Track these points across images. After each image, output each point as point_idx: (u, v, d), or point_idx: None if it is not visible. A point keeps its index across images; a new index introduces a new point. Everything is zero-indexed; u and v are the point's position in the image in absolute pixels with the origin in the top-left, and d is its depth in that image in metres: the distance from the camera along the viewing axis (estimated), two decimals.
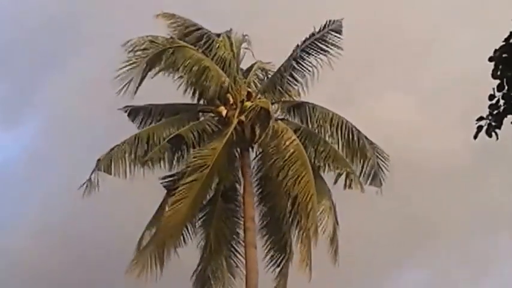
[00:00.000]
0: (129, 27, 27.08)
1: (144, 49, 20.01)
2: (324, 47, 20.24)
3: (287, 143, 19.49)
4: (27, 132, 35.61)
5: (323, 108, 20.96)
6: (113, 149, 20.03)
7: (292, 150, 19.40)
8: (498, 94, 7.91)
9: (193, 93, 20.82)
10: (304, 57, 20.50)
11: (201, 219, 20.55)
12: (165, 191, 20.20)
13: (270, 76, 21.61)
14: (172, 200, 19.26)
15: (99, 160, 19.88)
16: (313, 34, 20.28)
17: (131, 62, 19.69)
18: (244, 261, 20.02)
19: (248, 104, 20.42)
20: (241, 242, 20.44)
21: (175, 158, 20.39)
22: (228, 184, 20.52)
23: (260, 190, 20.90)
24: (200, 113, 21.15)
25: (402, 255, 30.81)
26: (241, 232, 20.41)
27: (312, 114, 20.83)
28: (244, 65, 21.98)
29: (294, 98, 21.19)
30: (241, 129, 20.44)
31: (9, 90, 34.78)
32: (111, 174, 19.65)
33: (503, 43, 7.86)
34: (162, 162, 20.13)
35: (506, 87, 7.84)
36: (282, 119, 20.87)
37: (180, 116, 20.91)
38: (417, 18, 31.57)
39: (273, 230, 20.61)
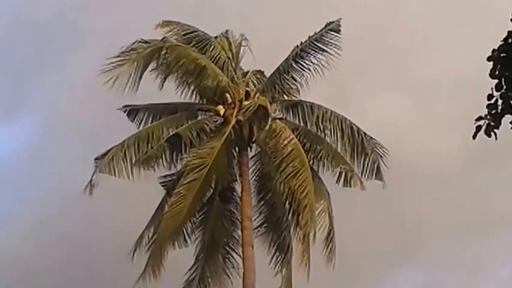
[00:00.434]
0: (126, 26, 27.19)
1: (138, 49, 20.10)
2: (323, 46, 20.34)
3: (285, 141, 19.53)
4: (24, 129, 35.53)
5: (321, 107, 21.03)
6: (111, 148, 20.03)
7: (290, 149, 19.45)
8: (496, 94, 7.89)
9: (191, 93, 20.90)
10: (304, 56, 20.58)
11: (199, 219, 20.54)
12: (163, 190, 20.29)
13: (268, 76, 21.58)
14: (172, 200, 19.30)
15: (96, 159, 19.94)
16: (312, 34, 20.37)
17: (125, 62, 19.77)
18: (241, 260, 20.02)
19: (246, 103, 20.49)
20: (238, 241, 20.45)
21: (174, 157, 20.41)
22: (226, 183, 20.52)
23: (258, 189, 20.92)
24: (199, 112, 21.17)
25: (396, 258, 30.85)
26: (238, 231, 20.42)
27: (310, 113, 20.91)
28: (243, 65, 22.05)
29: (293, 97, 21.20)
30: (240, 128, 20.49)
31: (6, 87, 34.74)
32: (110, 174, 19.66)
33: (502, 43, 7.85)
34: (160, 161, 20.14)
35: (504, 87, 7.83)
36: (280, 118, 20.92)
37: (178, 115, 20.93)
38: (413, 19, 31.68)
39: (272, 229, 20.64)
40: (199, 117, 21.01)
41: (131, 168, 19.78)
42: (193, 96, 21.07)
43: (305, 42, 20.47)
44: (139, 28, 21.76)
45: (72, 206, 25.04)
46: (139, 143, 20.00)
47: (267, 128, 19.55)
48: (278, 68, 20.94)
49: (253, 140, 20.69)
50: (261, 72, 22.01)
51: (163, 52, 20.21)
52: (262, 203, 20.87)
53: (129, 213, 23.85)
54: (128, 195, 22.27)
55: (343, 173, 20.33)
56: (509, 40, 7.86)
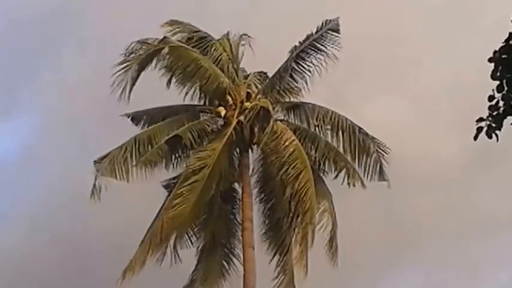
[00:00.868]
0: (125, 28, 27.15)
1: (137, 51, 20.03)
2: (322, 47, 20.32)
3: (286, 143, 19.50)
4: (19, 130, 35.51)
5: (322, 107, 21.00)
6: (111, 151, 19.94)
7: (291, 150, 19.42)
8: (498, 95, 7.87)
9: (192, 94, 20.91)
10: (304, 57, 20.57)
11: (201, 220, 20.48)
12: (163, 191, 20.23)
13: (269, 77, 21.58)
14: (175, 202, 19.22)
15: (96, 162, 19.84)
16: (311, 34, 20.34)
17: (125, 64, 19.71)
18: (242, 262, 19.99)
19: (248, 104, 20.47)
20: (239, 242, 20.40)
21: (174, 159, 20.40)
22: (227, 185, 20.50)
23: (260, 190, 20.89)
24: (200, 113, 21.12)
25: (395, 259, 30.84)
26: (239, 233, 20.38)
27: (311, 114, 20.88)
28: (244, 65, 22.04)
29: (294, 98, 21.17)
30: (241, 129, 20.47)
31: (2, 87, 34.71)
32: (111, 176, 19.58)
33: (503, 44, 7.83)
34: (161, 163, 20.10)
35: (505, 88, 7.81)
36: (281, 120, 20.88)
37: (179, 117, 20.89)
38: (411, 21, 31.65)
39: (273, 231, 20.58)
40: (200, 119, 20.95)
41: (131, 170, 19.73)
42: (194, 97, 21.10)
43: (305, 42, 20.43)
44: (137, 29, 21.78)
45: (68, 206, 24.99)
46: (139, 145, 19.94)
47: (268, 128, 19.41)
48: (279, 69, 20.91)
49: (254, 141, 20.69)
50: (264, 73, 22.01)
51: (164, 52, 20.11)
52: (263, 204, 20.85)
53: (127, 213, 23.82)
54: (126, 195, 22.20)
55: (345, 173, 20.30)
56: (510, 41, 7.84)
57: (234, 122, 20.36)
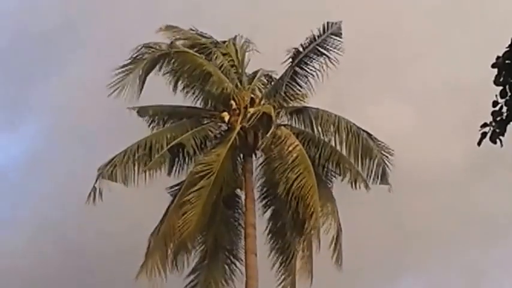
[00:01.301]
0: (129, 32, 27.20)
1: (144, 55, 20.12)
2: (325, 51, 20.32)
3: (290, 148, 19.53)
4: (25, 136, 35.59)
5: (325, 111, 21.05)
6: (115, 157, 19.98)
7: (295, 155, 19.44)
8: (501, 101, 7.82)
9: (196, 98, 20.99)
10: (307, 62, 20.59)
11: (204, 225, 20.23)
12: (164, 196, 20.28)
13: (273, 82, 21.66)
14: (183, 209, 19.18)
15: (99, 169, 19.86)
16: (314, 39, 20.37)
17: (130, 68, 19.81)
18: (244, 268, 19.96)
19: (251, 110, 20.49)
20: (242, 248, 20.37)
21: (177, 165, 20.44)
22: (230, 190, 20.46)
23: (263, 196, 20.88)
24: (204, 119, 21.13)
25: (397, 265, 30.82)
26: (242, 238, 20.37)
27: (315, 118, 20.93)
28: (250, 69, 22.07)
29: (298, 103, 21.16)
30: (244, 135, 20.48)
31: (9, 92, 34.83)
32: (114, 181, 19.65)
33: (506, 49, 7.77)
34: (164, 169, 20.14)
35: (509, 94, 7.75)
36: (284, 125, 20.90)
37: (182, 122, 20.95)
38: (413, 25, 31.66)
39: (276, 236, 20.60)
40: (204, 124, 20.95)
41: (134, 176, 19.79)
42: (199, 102, 21.15)
43: (307, 46, 20.44)
44: (141, 34, 21.76)
45: (73, 213, 25.02)
46: (142, 151, 19.96)
47: (269, 135, 19.44)
48: (282, 74, 20.94)
49: (257, 146, 20.69)
50: (269, 76, 22.04)
51: (169, 58, 20.17)
52: (266, 209, 20.84)
53: (131, 221, 23.83)
54: (130, 202, 22.24)
55: (349, 177, 20.33)
56: None
57: (238, 127, 20.37)
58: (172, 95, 20.96)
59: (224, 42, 21.74)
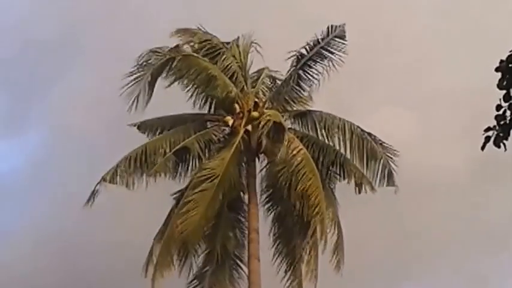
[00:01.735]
0: (131, 40, 27.24)
1: (149, 60, 20.08)
2: (329, 54, 20.32)
3: (294, 152, 19.41)
4: (27, 145, 35.62)
5: (329, 114, 21.01)
6: (118, 162, 19.92)
7: (299, 159, 19.35)
8: (505, 105, 7.82)
9: (201, 102, 20.91)
10: (311, 65, 20.59)
11: (208, 229, 20.29)
12: (167, 202, 20.24)
13: (277, 86, 21.61)
14: (185, 212, 19.10)
15: (103, 177, 19.84)
16: (317, 42, 20.35)
17: (136, 75, 19.77)
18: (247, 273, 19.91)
19: (255, 114, 20.43)
20: (245, 253, 20.29)
21: (182, 169, 20.40)
22: (235, 194, 20.41)
23: (267, 200, 20.83)
24: (207, 122, 21.10)
25: (401, 272, 30.76)
26: (245, 243, 20.30)
27: (319, 122, 20.87)
28: (253, 69, 21.99)
29: (301, 107, 21.19)
30: (248, 139, 20.44)
31: (12, 100, 34.91)
32: (114, 183, 19.61)
33: (510, 53, 7.77)
34: (168, 173, 20.06)
35: None
36: (288, 129, 20.75)
37: (186, 126, 20.86)
38: (416, 31, 31.70)
39: (281, 240, 20.55)
40: (208, 128, 20.90)
41: (138, 181, 19.76)
42: (202, 105, 21.06)
43: (311, 49, 20.43)
44: (143, 42, 21.74)
45: (76, 220, 24.97)
46: (146, 155, 19.92)
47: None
48: (286, 77, 20.95)
49: (261, 151, 20.63)
50: (273, 78, 21.97)
51: (175, 62, 20.04)
52: (271, 213, 20.79)
53: (135, 228, 23.78)
54: (133, 209, 22.22)
55: (354, 180, 20.26)
56: None
57: (242, 131, 20.32)
58: (174, 104, 20.93)
59: (228, 43, 21.65)
